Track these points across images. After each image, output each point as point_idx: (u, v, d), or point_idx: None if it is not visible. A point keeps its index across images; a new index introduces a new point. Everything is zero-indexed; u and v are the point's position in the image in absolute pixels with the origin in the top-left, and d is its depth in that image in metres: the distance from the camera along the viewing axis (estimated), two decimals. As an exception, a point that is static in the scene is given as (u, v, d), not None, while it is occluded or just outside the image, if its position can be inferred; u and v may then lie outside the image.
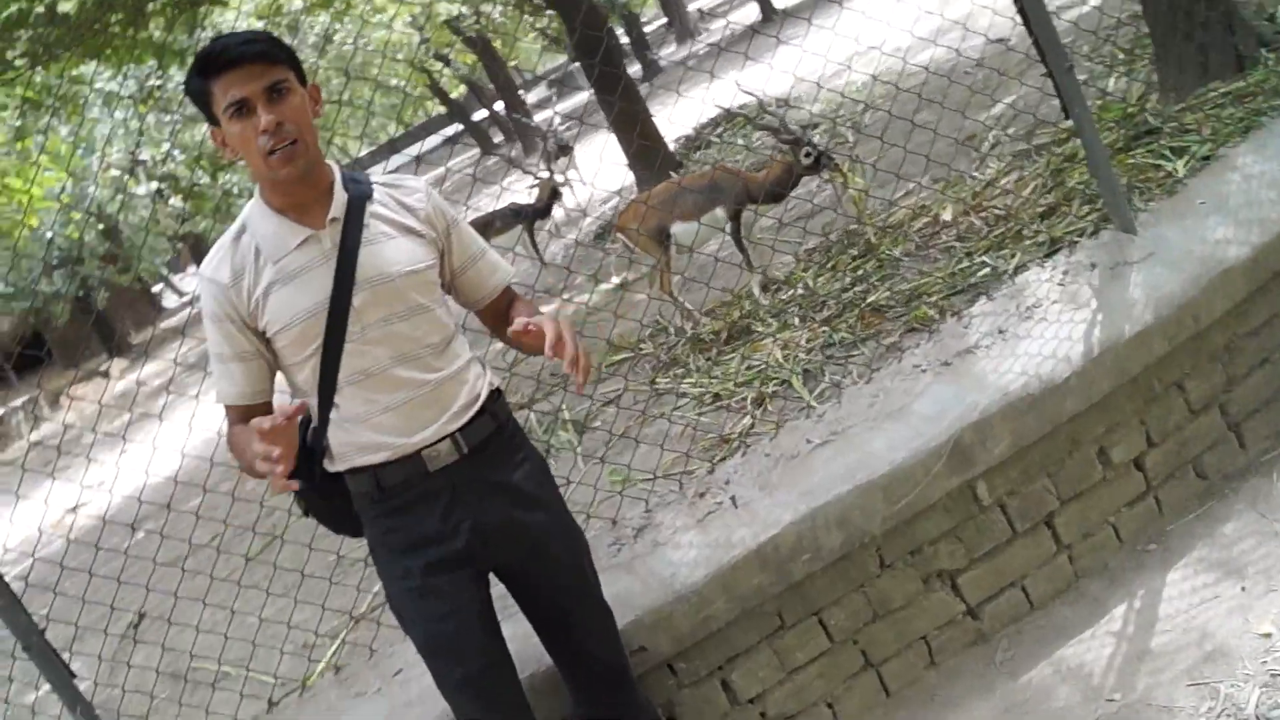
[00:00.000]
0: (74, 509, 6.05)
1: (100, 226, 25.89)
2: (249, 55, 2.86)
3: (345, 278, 3.01)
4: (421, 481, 3.12)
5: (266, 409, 3.15)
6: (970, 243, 6.62)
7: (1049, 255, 5.69)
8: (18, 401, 23.99)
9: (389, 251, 3.09)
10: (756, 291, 7.70)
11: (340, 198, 3.07)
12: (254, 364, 3.11)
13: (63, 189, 16.06)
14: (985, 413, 4.53)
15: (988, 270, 5.97)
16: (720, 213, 7.95)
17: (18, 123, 13.26)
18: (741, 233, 7.98)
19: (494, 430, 3.25)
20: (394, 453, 3.11)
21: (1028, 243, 6.03)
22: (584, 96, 16.90)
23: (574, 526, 3.57)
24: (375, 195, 3.16)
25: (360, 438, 3.13)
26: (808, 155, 7.67)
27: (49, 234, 19.19)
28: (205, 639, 5.68)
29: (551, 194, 13.37)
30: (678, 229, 8.08)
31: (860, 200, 8.02)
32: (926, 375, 4.87)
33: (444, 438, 3.14)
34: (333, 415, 3.14)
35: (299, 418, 2.91)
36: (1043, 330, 4.83)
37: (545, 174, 13.36)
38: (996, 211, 6.82)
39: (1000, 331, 4.95)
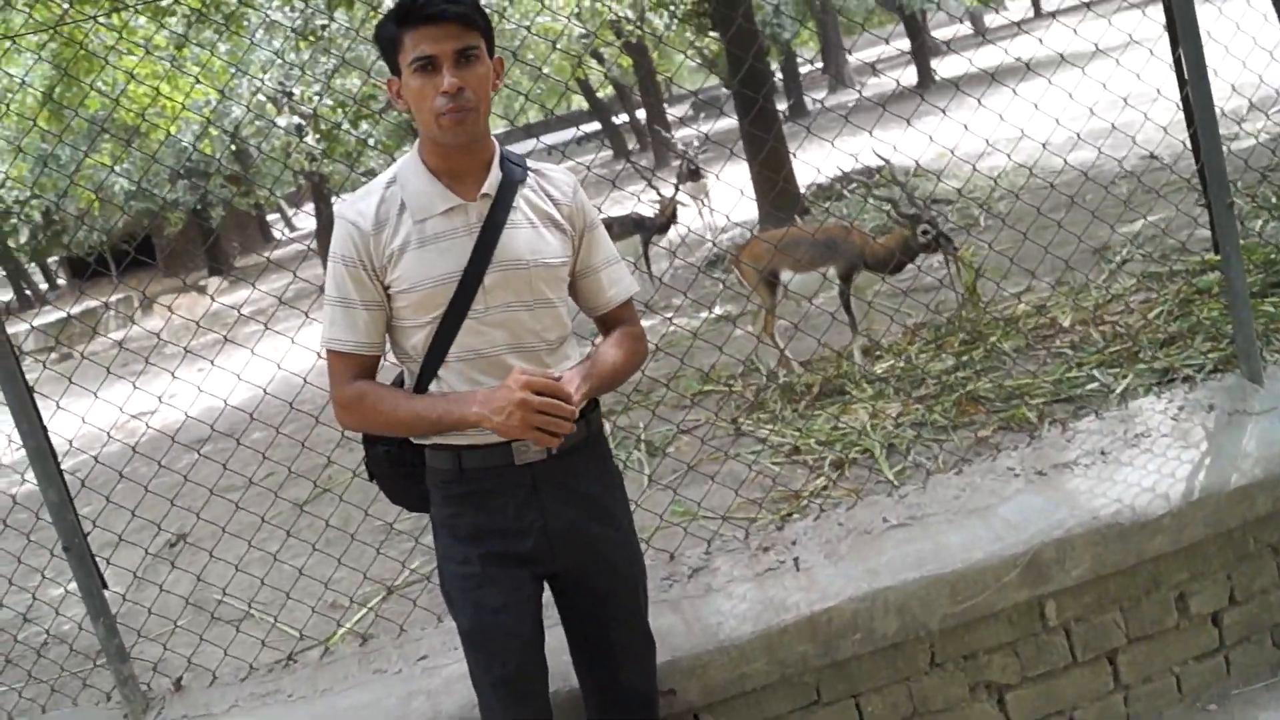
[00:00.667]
0: (141, 415, 6.02)
1: (233, 147, 26.19)
2: (450, 14, 2.83)
3: (483, 254, 2.97)
4: (504, 473, 3.07)
5: (374, 364, 3.12)
6: (1083, 353, 6.51)
7: (1161, 384, 5.59)
8: (113, 298, 24.28)
9: (529, 239, 3.05)
10: (857, 355, 7.58)
11: (496, 175, 3.03)
12: (377, 314, 3.05)
13: (207, 103, 16.25)
14: (1070, 532, 4.38)
15: (1096, 385, 5.89)
16: (832, 271, 7.86)
17: (181, 30, 13.44)
18: (850, 295, 7.85)
19: (585, 438, 3.18)
20: (484, 438, 3.04)
21: (1142, 366, 5.93)
22: (727, 123, 16.80)
23: (638, 551, 3.50)
24: (528, 180, 3.12)
25: None
26: (924, 233, 7.56)
27: (184, 143, 19.43)
28: (238, 577, 5.67)
29: (672, 214, 13.34)
30: (789, 277, 8.01)
31: (971, 285, 7.84)
32: (1018, 481, 4.72)
33: None
34: (432, 386, 3.09)
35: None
36: (1146, 461, 4.67)
37: (671, 192, 13.32)
38: (1117, 328, 6.69)
39: (1102, 453, 4.80)
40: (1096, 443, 4.91)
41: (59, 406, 4.93)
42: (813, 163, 6.57)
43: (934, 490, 4.85)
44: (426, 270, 2.98)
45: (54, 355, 18.06)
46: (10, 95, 13.04)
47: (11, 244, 31.98)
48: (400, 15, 2.86)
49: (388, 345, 3.20)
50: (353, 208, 3.04)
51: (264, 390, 5.32)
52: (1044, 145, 5.85)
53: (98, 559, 4.63)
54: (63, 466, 4.53)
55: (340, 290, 3.03)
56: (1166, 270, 7.42)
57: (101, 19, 10.73)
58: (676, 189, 13.45)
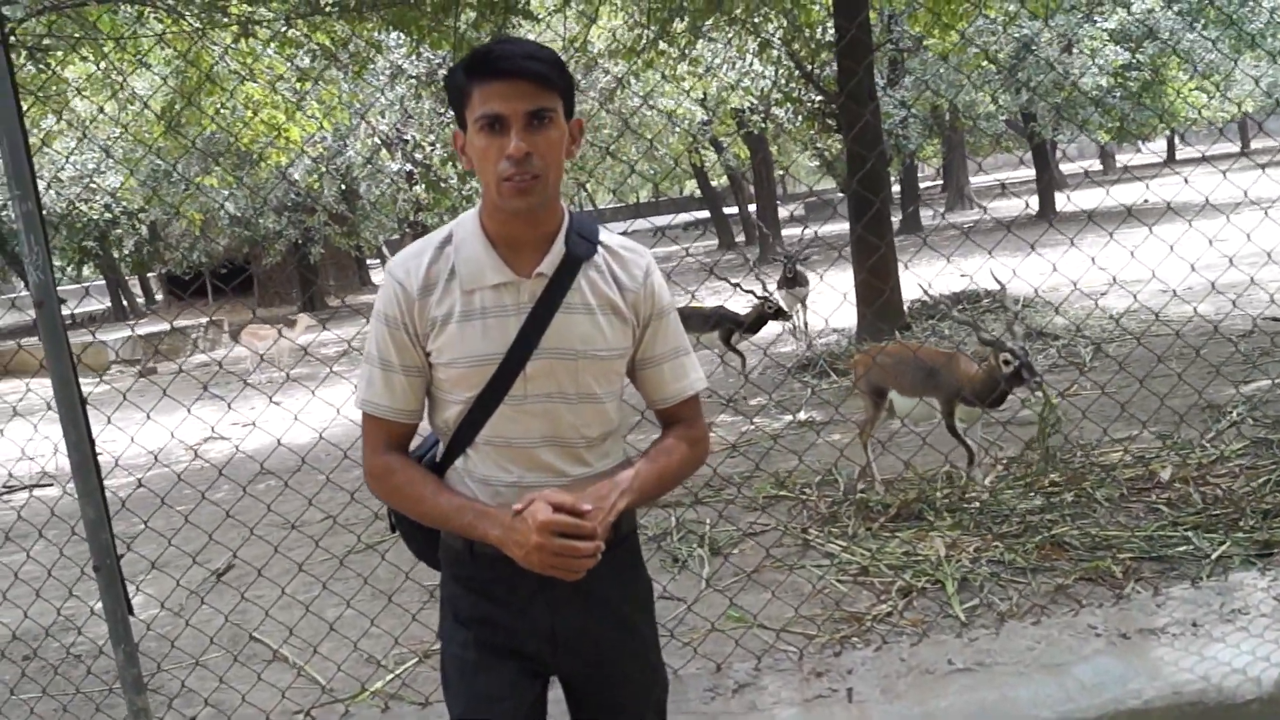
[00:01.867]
0: (201, 444, 5.91)
1: (341, 186, 26.51)
2: (527, 71, 2.58)
3: (529, 339, 2.74)
4: (514, 565, 2.73)
5: (414, 431, 2.91)
6: (1180, 512, 6.23)
7: (1260, 556, 5.33)
8: (202, 320, 24.58)
9: (583, 327, 2.79)
10: (979, 476, 7.23)
11: (558, 251, 2.77)
12: (416, 381, 2.83)
13: (321, 140, 16.40)
14: (1148, 704, 4.09)
15: (1189, 548, 5.62)
16: (935, 400, 7.40)
17: (305, 63, 13.57)
18: (956, 425, 7.34)
19: (610, 540, 2.82)
20: None
21: (1241, 535, 5.64)
22: (836, 227, 16.64)
23: (658, 665, 3.15)
24: (595, 258, 2.84)
25: (476, 497, 2.81)
26: (1006, 364, 7.00)
27: (293, 174, 19.65)
28: (268, 622, 5.53)
29: (759, 318, 13.16)
30: (895, 397, 7.60)
31: (1048, 422, 7.48)
32: (1099, 641, 4.44)
33: None
34: (458, 463, 2.85)
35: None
36: (1240, 640, 4.37)
37: (764, 295, 13.17)
38: (1219, 490, 6.38)
39: (1194, 624, 4.50)
40: (1189, 613, 4.63)
41: (109, 421, 4.82)
42: (922, 277, 6.33)
43: (1007, 638, 4.57)
44: (467, 347, 2.75)
45: (136, 369, 18.21)
46: (130, 109, 13.22)
47: (115, 254, 32.54)
48: (471, 66, 2.63)
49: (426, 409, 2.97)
50: (402, 266, 2.83)
51: (319, 435, 5.17)
52: (1174, 291, 5.61)
53: (127, 583, 4.47)
54: (106, 484, 4.39)
55: (380, 351, 2.82)
56: (1276, 439, 7.11)
57: (230, 44, 10.82)
58: (769, 294, 13.28)
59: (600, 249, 2.85)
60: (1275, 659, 4.27)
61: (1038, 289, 5.34)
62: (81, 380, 4.32)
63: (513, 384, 2.75)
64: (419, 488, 2.82)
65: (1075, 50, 24.96)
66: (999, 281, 7.02)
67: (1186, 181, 5.22)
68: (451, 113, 3.00)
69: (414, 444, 2.96)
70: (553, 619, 2.84)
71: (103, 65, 11.19)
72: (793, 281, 14.31)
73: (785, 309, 13.88)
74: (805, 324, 14.74)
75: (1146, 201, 5.23)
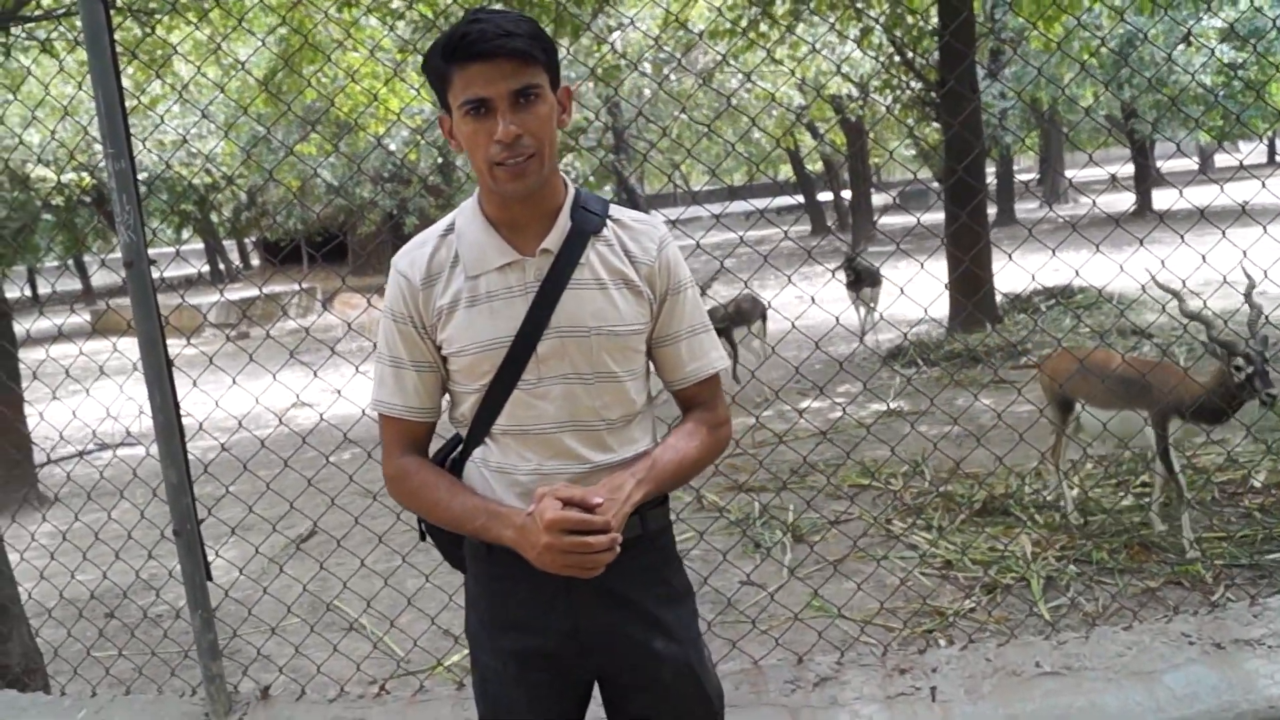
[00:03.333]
0: (290, 409, 5.93)
1: (439, 159, 26.61)
2: (505, 50, 2.46)
3: (538, 318, 2.63)
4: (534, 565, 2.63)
5: (432, 430, 2.80)
6: (1274, 518, 6.16)
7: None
8: (296, 286, 24.83)
9: (595, 302, 2.67)
10: (1187, 531, 6.08)
11: (562, 226, 2.67)
12: (428, 377, 2.74)
13: (420, 112, 16.46)
14: (1241, 717, 3.96)
15: None
16: (1143, 415, 6.39)
17: (405, 33, 13.63)
18: (1169, 448, 6.28)
19: (636, 536, 2.74)
20: None
21: None
22: (929, 218, 16.43)
23: (703, 676, 2.90)
24: (604, 232, 2.72)
25: (494, 491, 2.72)
26: (1238, 369, 5.97)
27: (391, 146, 19.75)
28: (345, 593, 5.54)
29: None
30: (1087, 412, 6.68)
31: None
32: (1192, 650, 4.32)
33: None
34: (477, 453, 2.74)
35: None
36: (1341, 656, 4.22)
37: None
38: (1311, 499, 6.25)
39: (1292, 638, 4.36)
40: (1287, 624, 4.49)
41: (195, 384, 4.83)
42: (1021, 269, 6.20)
43: (1096, 642, 4.47)
44: (475, 333, 2.65)
45: (234, 332, 18.45)
46: (232, 75, 13.35)
47: (214, 218, 32.98)
48: (448, 49, 2.51)
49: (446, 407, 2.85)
50: (405, 258, 2.76)
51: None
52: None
53: (207, 547, 4.49)
54: (190, 448, 4.41)
55: (390, 349, 2.74)
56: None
57: (332, 13, 10.87)
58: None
59: (609, 222, 2.75)
60: (1376, 677, 4.15)
61: (1144, 286, 5.20)
62: (170, 342, 4.34)
63: (525, 367, 2.65)
64: (434, 491, 2.72)
65: (1181, 47, 24.52)
66: (1248, 276, 6.36)
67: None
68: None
69: (435, 447, 2.85)
70: (576, 619, 2.72)
71: (206, 30, 11.30)
72: (858, 283, 13.85)
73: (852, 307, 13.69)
74: (874, 324, 14.29)
75: (1247, 202, 5.07)
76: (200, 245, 38.84)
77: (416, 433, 2.77)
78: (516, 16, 2.53)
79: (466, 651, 5.18)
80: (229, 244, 40.80)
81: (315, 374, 5.15)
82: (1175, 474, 6.19)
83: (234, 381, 4.96)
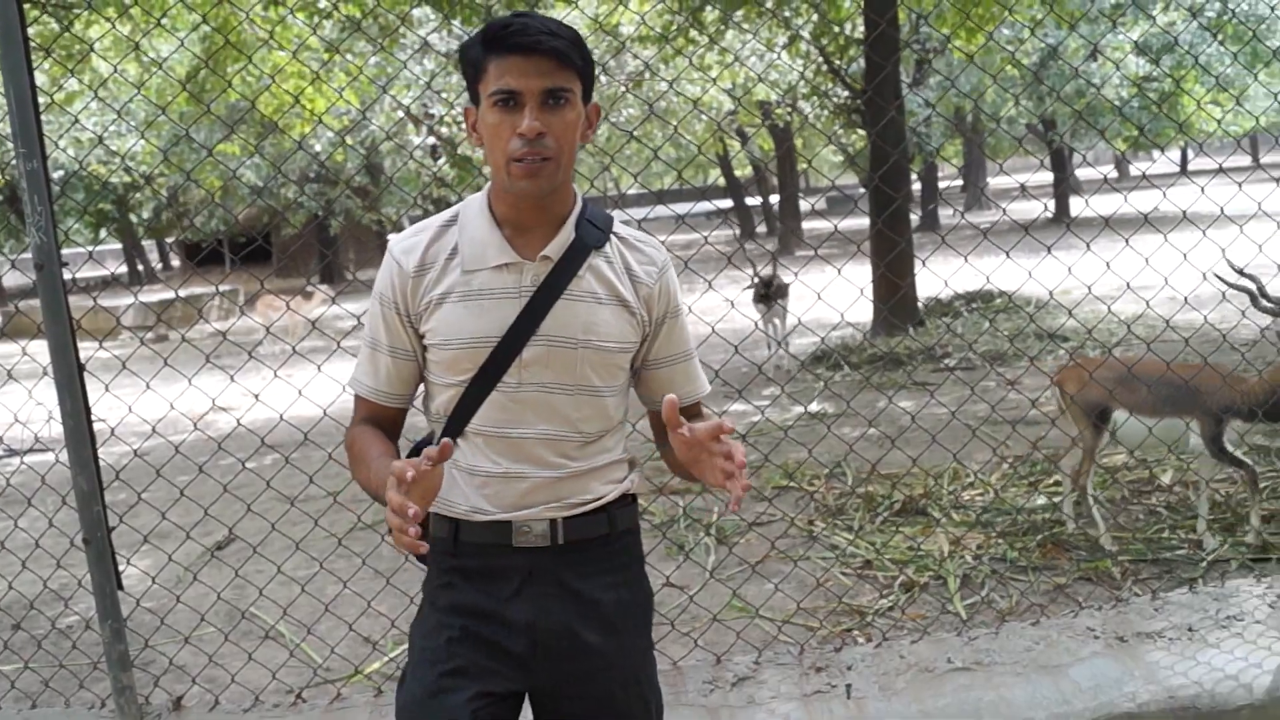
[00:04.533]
0: (209, 413, 5.89)
1: (364, 160, 26.46)
2: (544, 47, 2.48)
3: (528, 323, 2.64)
4: (500, 554, 2.71)
5: (398, 417, 2.83)
6: (1179, 516, 6.38)
7: (1257, 561, 5.46)
8: (220, 288, 24.56)
9: (586, 316, 2.67)
10: (1255, 520, 5.95)
11: (566, 235, 2.67)
12: (403, 364, 2.74)
13: (346, 113, 16.38)
14: (1142, 707, 4.13)
15: (1184, 552, 5.79)
16: (1192, 423, 6.11)
17: (334, 35, 13.58)
18: (1226, 448, 6.05)
19: (603, 534, 2.77)
20: (483, 515, 2.71)
21: (1238, 539, 5.81)
22: (854, 223, 16.56)
23: (650, 698, 2.90)
24: (606, 248, 2.73)
25: (461, 490, 2.74)
26: None
27: (315, 146, 19.62)
28: (261, 600, 5.50)
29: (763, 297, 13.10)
30: (1123, 418, 6.28)
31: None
32: (1097, 644, 4.48)
33: (543, 519, 2.71)
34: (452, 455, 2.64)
35: (443, 458, 2.38)
36: (1234, 646, 4.41)
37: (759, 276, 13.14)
38: (1216, 495, 6.48)
39: (1190, 630, 4.54)
40: (1185, 617, 4.67)
41: (107, 389, 4.79)
42: (939, 274, 6.33)
43: (1006, 637, 4.61)
44: (462, 327, 2.66)
45: (150, 335, 18.23)
46: (152, 72, 13.24)
47: (134, 218, 32.55)
48: (488, 39, 2.53)
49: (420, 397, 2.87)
50: (401, 244, 2.75)
51: (324, 411, 5.18)
52: (1185, 299, 5.64)
53: (119, 556, 4.44)
54: (102, 454, 4.36)
55: (372, 330, 2.76)
56: (1274, 446, 7.29)
57: (258, 11, 10.82)
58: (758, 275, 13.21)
59: (614, 238, 2.76)
60: (1268, 665, 4.29)
61: (1052, 291, 5.36)
62: (84, 345, 4.27)
63: (507, 370, 2.66)
64: (360, 456, 2.71)
65: (1098, 59, 24.95)
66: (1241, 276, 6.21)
67: (1203, 191, 5.25)
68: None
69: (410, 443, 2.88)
70: (535, 614, 2.71)
71: (126, 27, 11.21)
72: (767, 297, 13.68)
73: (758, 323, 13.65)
74: (784, 338, 14.08)
75: (1158, 210, 5.24)
76: (118, 245, 38.29)
77: (381, 414, 2.79)
78: (561, 23, 2.55)
79: (386, 659, 5.22)
80: (148, 245, 40.23)
81: (233, 378, 5.13)
82: (1241, 459, 6.08)
83: (148, 386, 4.92)
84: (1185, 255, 5.10)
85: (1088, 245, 4.80)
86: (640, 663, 2.88)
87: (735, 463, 2.41)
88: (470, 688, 2.67)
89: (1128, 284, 5.33)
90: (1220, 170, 5.28)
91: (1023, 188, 4.98)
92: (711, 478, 2.48)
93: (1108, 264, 4.92)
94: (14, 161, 4.06)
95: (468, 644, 2.71)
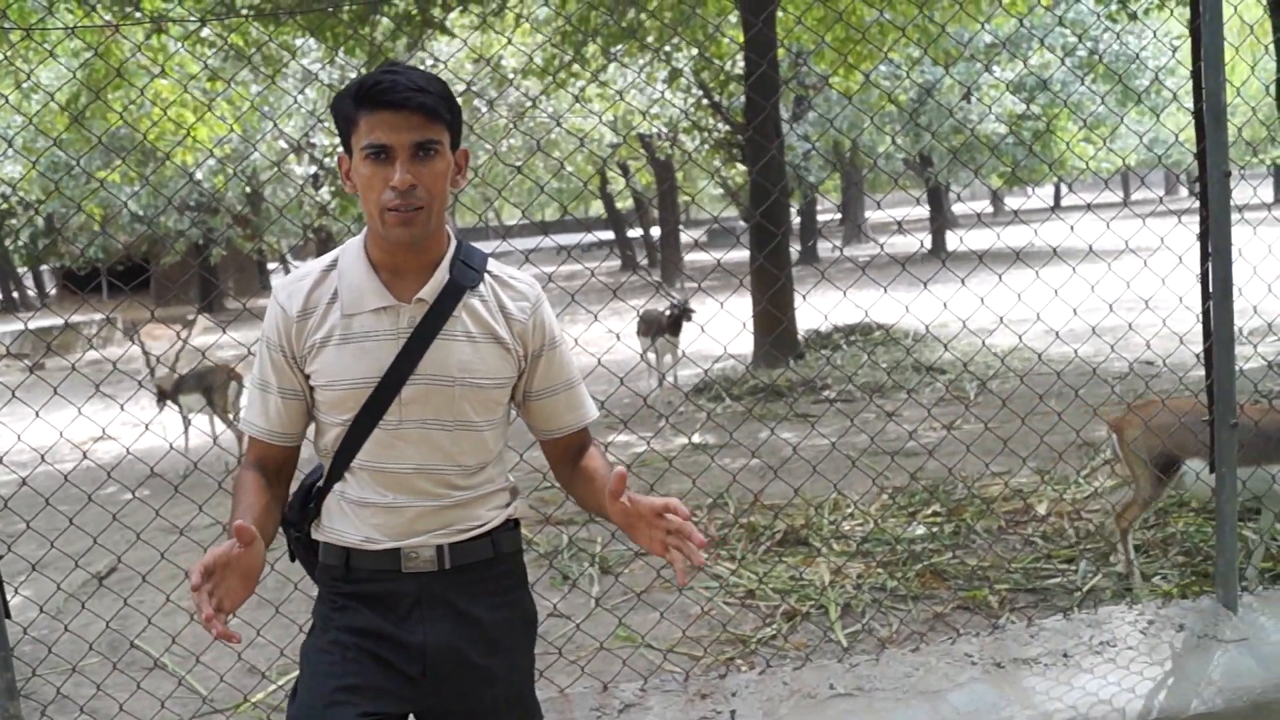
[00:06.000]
0: (85, 444, 5.82)
1: (246, 189, 26.21)
2: (413, 104, 2.60)
3: (405, 364, 2.73)
4: (391, 579, 2.79)
5: (291, 455, 2.91)
6: (1053, 544, 6.50)
7: (1129, 589, 5.62)
8: (96, 316, 24.13)
9: (462, 355, 2.78)
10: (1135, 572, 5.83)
11: (440, 277, 2.77)
12: (292, 404, 2.83)
13: (228, 139, 16.23)
14: (1018, 732, 4.21)
15: (1059, 580, 5.92)
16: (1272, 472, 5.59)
17: (215, 62, 13.45)
18: None
19: (488, 559, 2.88)
20: (373, 545, 2.80)
21: (1112, 568, 5.98)
22: (735, 256, 16.74)
23: (529, 703, 3.02)
24: (480, 287, 2.84)
25: (350, 521, 2.83)
26: None
27: (197, 174, 19.40)
28: (150, 629, 5.45)
29: (675, 320, 13.11)
30: (1199, 466, 5.50)
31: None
32: (974, 669, 4.57)
33: (430, 545, 2.81)
34: (336, 487, 2.86)
35: (245, 542, 2.51)
36: (1108, 672, 4.54)
37: (675, 301, 13.11)
38: (1089, 525, 6.66)
39: (1065, 655, 4.66)
40: (1060, 643, 4.78)
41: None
42: (819, 308, 6.45)
43: (886, 664, 4.69)
44: (343, 370, 2.76)
45: (25, 363, 17.83)
46: (31, 98, 13.03)
47: (9, 244, 31.88)
48: (360, 95, 2.63)
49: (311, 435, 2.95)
50: (285, 289, 2.83)
51: (214, 440, 5.15)
52: (1056, 334, 5.80)
53: (7, 585, 4.40)
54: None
55: (261, 372, 2.84)
56: (1148, 477, 7.37)
57: (139, 38, 10.71)
58: (676, 300, 13.27)
59: (487, 277, 2.87)
60: (1140, 690, 4.43)
61: (929, 325, 5.49)
62: None
63: (388, 408, 2.76)
64: (237, 500, 2.79)
65: (974, 98, 25.56)
66: None
67: (1072, 229, 5.42)
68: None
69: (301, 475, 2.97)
70: (426, 635, 2.80)
71: (8, 53, 11.03)
72: (676, 328, 13.43)
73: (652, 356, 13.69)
74: (671, 370, 14.17)
75: (1033, 245, 5.42)
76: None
77: (273, 455, 2.86)
78: (429, 75, 2.66)
79: (274, 687, 5.19)
80: (23, 271, 39.41)
81: (123, 408, 5.09)
82: None
83: (37, 414, 4.88)
84: (1056, 291, 5.26)
85: (963, 281, 4.94)
86: (523, 680, 3.00)
87: (695, 542, 2.54)
88: (363, 705, 2.73)
89: (1001, 319, 5.49)
90: (1089, 207, 5.45)
91: (899, 224, 5.11)
92: (648, 545, 2.63)
93: (982, 299, 5.06)
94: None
95: (363, 662, 2.77)
